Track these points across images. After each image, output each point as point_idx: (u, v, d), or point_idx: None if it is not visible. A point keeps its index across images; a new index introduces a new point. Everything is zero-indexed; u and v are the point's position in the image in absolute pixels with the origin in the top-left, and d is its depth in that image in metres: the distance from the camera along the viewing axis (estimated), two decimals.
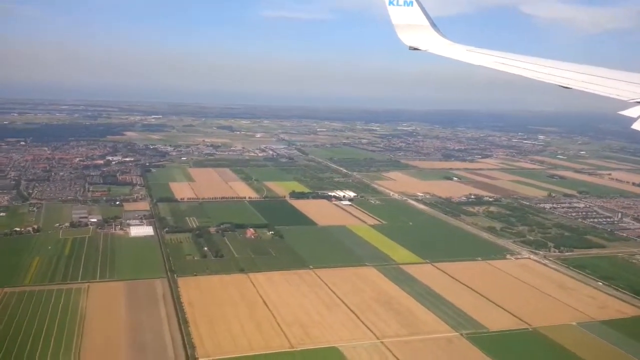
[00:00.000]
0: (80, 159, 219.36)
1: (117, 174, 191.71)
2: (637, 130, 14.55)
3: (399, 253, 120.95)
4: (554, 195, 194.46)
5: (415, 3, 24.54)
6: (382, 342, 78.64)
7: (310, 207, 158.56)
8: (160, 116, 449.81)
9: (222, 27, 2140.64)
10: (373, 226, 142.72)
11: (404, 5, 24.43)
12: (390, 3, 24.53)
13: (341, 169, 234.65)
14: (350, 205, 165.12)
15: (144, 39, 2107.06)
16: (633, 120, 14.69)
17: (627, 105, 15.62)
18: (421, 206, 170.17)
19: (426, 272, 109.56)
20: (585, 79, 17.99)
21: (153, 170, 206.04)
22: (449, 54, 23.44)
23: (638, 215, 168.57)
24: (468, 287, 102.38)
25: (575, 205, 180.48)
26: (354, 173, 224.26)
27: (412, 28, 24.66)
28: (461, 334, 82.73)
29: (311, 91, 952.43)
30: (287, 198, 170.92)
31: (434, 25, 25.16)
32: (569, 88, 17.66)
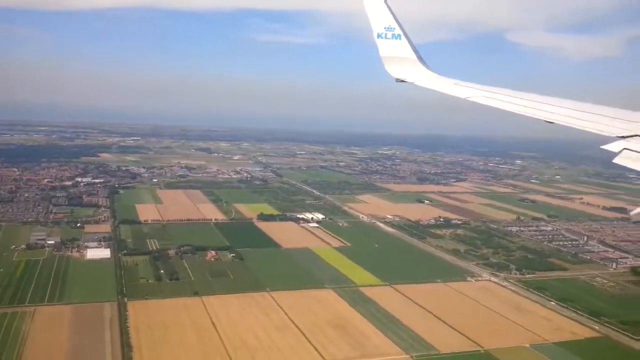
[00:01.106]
0: (49, 180, 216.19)
1: (84, 196, 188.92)
2: (619, 164, 14.96)
3: (359, 275, 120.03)
4: (522, 218, 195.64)
5: (403, 37, 25.04)
6: None
7: (276, 230, 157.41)
8: (139, 138, 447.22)
9: (214, 50, 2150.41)
10: (337, 248, 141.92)
11: (392, 38, 24.94)
12: (379, 36, 25.00)
13: (314, 191, 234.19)
14: (317, 227, 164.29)
15: (132, 61, 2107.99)
16: (615, 154, 15.18)
17: (610, 139, 16.07)
18: (389, 229, 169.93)
19: (384, 295, 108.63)
20: (569, 113, 18.50)
21: (121, 192, 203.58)
22: (435, 87, 23.91)
23: (604, 239, 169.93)
24: (424, 309, 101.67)
25: (543, 228, 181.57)
26: (327, 196, 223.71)
27: (399, 61, 25.22)
28: (411, 356, 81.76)
29: (298, 114, 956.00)
30: (255, 220, 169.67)
31: (420, 58, 25.64)
32: (552, 123, 18.15)
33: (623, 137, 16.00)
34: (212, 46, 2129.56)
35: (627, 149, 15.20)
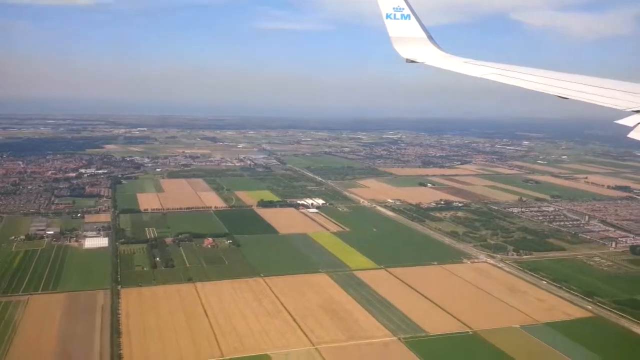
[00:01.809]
0: (53, 172, 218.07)
1: (86, 187, 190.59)
2: (634, 139, 14.87)
3: (355, 259, 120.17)
4: (524, 199, 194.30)
5: (412, 17, 24.99)
6: (316, 349, 77.76)
7: (275, 216, 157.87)
8: (145, 129, 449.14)
9: (215, 39, 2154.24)
10: (335, 233, 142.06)
11: (402, 18, 24.90)
12: (388, 17, 24.99)
13: (316, 177, 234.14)
14: (317, 213, 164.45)
15: (137, 52, 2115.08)
16: (630, 129, 14.94)
17: (623, 114, 15.92)
18: (389, 213, 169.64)
19: (378, 278, 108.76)
20: (582, 88, 18.35)
21: (124, 182, 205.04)
22: (446, 66, 23.78)
23: (606, 218, 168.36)
24: (417, 291, 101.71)
25: (545, 209, 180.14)
26: (329, 181, 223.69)
27: (409, 41, 25.13)
28: (399, 338, 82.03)
29: (304, 102, 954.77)
30: (255, 207, 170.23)
31: (430, 37, 25.55)
32: (566, 98, 17.94)
33: (637, 112, 15.77)
34: (214, 35, 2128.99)
35: None
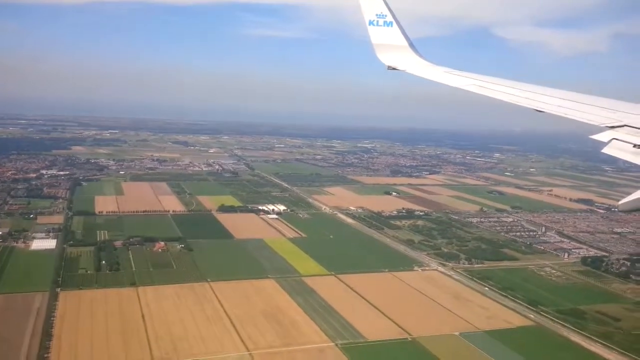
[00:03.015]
0: (13, 172, 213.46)
1: (44, 188, 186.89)
2: (606, 154, 15.09)
3: (306, 265, 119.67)
4: (485, 210, 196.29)
5: (395, 24, 25.00)
6: (250, 354, 76.93)
7: (233, 221, 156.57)
8: (117, 131, 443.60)
9: (201, 44, 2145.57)
10: (291, 239, 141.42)
11: (384, 25, 24.89)
12: (371, 23, 24.97)
13: (283, 183, 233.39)
14: (276, 219, 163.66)
15: (119, 55, 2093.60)
16: (604, 144, 15.25)
17: (598, 129, 16.22)
18: (349, 220, 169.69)
19: (326, 284, 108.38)
20: (560, 103, 18.69)
21: (84, 184, 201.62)
22: (427, 75, 23.84)
23: (563, 230, 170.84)
24: (363, 298, 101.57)
25: (504, 219, 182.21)
26: (294, 188, 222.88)
27: (391, 48, 25.21)
28: (336, 344, 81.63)
29: (285, 108, 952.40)
30: (214, 212, 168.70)
31: (412, 46, 25.64)
32: (542, 112, 18.28)
33: (612, 127, 16.00)
34: (199, 40, 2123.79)
35: (616, 139, 15.23)
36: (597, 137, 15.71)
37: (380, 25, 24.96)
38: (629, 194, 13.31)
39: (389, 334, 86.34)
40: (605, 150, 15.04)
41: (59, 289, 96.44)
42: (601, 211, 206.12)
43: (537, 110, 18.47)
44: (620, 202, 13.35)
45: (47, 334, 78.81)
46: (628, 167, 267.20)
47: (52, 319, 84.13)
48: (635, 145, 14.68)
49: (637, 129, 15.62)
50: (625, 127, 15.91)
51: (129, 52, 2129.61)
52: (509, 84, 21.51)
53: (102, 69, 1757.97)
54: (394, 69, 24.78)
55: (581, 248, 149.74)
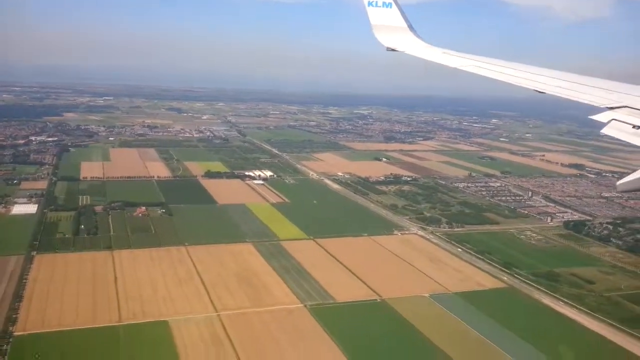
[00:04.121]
0: (1, 138, 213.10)
1: (31, 154, 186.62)
2: (606, 134, 15.56)
3: (286, 230, 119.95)
4: (474, 175, 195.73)
5: (394, 5, 25.12)
6: (217, 315, 77.57)
7: (218, 187, 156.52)
8: (111, 98, 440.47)
9: (198, 9, 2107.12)
10: (274, 204, 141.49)
11: (383, 6, 25.10)
12: (370, 4, 25.17)
13: (273, 150, 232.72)
14: (262, 184, 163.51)
15: (117, 20, 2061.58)
16: (603, 124, 15.61)
17: (598, 110, 16.53)
18: (335, 186, 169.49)
19: (303, 248, 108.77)
20: (559, 84, 19.13)
21: (72, 150, 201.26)
22: (426, 56, 24.20)
23: (550, 194, 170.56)
24: (339, 261, 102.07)
25: (492, 184, 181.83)
26: (284, 154, 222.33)
27: (390, 29, 25.42)
28: (305, 305, 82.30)
29: (285, 75, 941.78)
30: (200, 177, 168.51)
31: (411, 27, 25.82)
32: (543, 93, 18.70)
33: (611, 108, 16.33)
34: (200, 5, 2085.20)
35: (615, 120, 15.60)
36: (596, 117, 16.07)
37: (380, 6, 25.23)
38: (621, 158, 13.04)
39: (358, 295, 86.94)
40: (605, 130, 15.40)
41: (35, 252, 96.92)
42: (591, 176, 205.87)
43: (537, 92, 18.96)
44: (619, 182, 13.57)
45: (17, 296, 79.50)
46: None
47: (24, 281, 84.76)
48: (634, 126, 14.98)
49: (636, 110, 15.88)
50: (624, 108, 16.18)
51: (127, 17, 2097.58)
52: (508, 64, 22.00)
53: (99, 36, 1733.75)
54: (392, 49, 25.12)
55: (566, 212, 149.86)
